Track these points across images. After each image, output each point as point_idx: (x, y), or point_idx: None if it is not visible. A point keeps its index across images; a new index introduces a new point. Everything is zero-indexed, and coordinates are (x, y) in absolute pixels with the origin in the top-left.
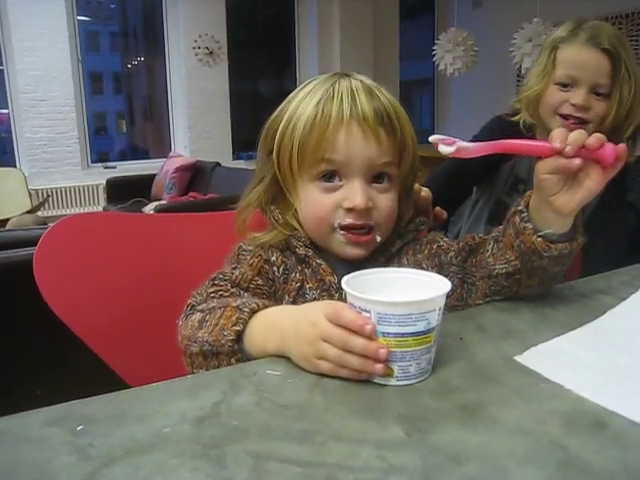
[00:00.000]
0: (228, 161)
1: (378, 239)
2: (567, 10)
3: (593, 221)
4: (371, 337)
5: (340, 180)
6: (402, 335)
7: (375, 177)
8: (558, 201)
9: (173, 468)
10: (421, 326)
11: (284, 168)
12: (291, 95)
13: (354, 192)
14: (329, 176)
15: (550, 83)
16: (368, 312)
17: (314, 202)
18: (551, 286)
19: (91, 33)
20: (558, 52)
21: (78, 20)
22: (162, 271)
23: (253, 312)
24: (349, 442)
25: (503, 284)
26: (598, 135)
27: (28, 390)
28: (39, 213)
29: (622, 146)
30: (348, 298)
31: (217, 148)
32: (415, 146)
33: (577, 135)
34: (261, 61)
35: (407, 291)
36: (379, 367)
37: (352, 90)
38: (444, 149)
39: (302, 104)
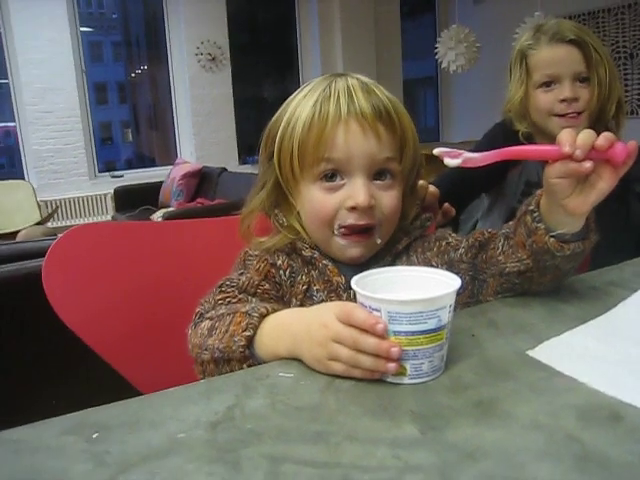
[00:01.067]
0: (234, 166)
1: (378, 241)
2: (567, 2)
3: (599, 214)
4: (383, 336)
5: (342, 179)
6: (413, 333)
7: (377, 174)
8: (571, 204)
9: (189, 473)
10: (432, 324)
11: (285, 171)
12: (289, 99)
13: (356, 190)
14: (330, 175)
15: (530, 89)
16: (379, 311)
17: (316, 203)
18: (562, 282)
19: (94, 44)
20: (528, 59)
21: (81, 31)
22: (172, 278)
23: (262, 316)
24: (364, 442)
25: (515, 282)
26: (607, 135)
27: (43, 400)
28: (49, 224)
29: (633, 143)
30: (358, 298)
31: (223, 153)
32: (416, 141)
33: (586, 137)
34: (264, 65)
35: (417, 289)
36: (392, 366)
37: (349, 88)
38: (450, 162)
39: (300, 106)
